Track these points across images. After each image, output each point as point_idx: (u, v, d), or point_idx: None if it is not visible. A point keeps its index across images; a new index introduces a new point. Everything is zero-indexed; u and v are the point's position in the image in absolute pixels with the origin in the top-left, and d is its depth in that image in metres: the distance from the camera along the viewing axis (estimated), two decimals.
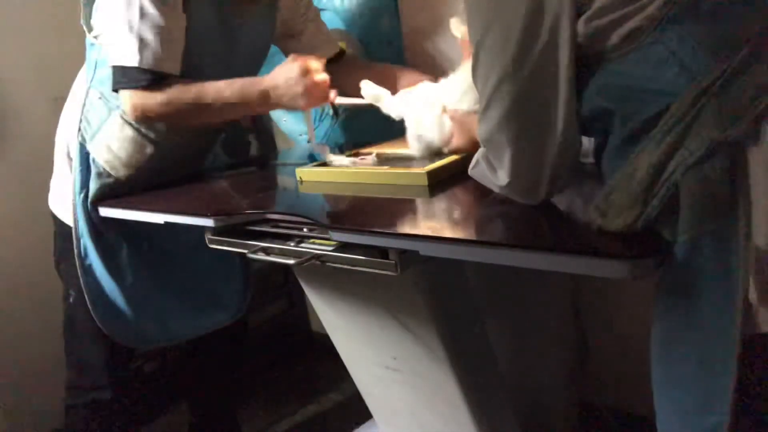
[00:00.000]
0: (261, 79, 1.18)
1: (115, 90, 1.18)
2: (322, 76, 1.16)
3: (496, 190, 0.80)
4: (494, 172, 0.77)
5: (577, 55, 0.67)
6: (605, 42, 0.65)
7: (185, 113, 1.18)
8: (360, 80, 1.19)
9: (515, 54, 0.67)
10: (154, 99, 1.15)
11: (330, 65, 1.31)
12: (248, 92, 1.16)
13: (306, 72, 1.13)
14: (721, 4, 0.60)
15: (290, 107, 1.18)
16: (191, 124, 1.24)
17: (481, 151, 0.81)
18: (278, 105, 1.18)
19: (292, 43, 1.43)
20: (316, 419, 1.86)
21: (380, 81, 1.21)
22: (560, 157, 0.70)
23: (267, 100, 1.16)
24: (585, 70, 0.68)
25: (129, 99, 1.16)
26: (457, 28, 1.08)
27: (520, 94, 0.68)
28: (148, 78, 1.14)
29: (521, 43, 0.66)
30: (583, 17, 0.66)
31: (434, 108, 1.07)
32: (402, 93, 1.16)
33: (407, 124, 1.12)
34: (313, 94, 1.15)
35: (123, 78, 1.15)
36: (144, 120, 1.20)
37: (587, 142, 0.94)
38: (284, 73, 1.15)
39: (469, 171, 0.86)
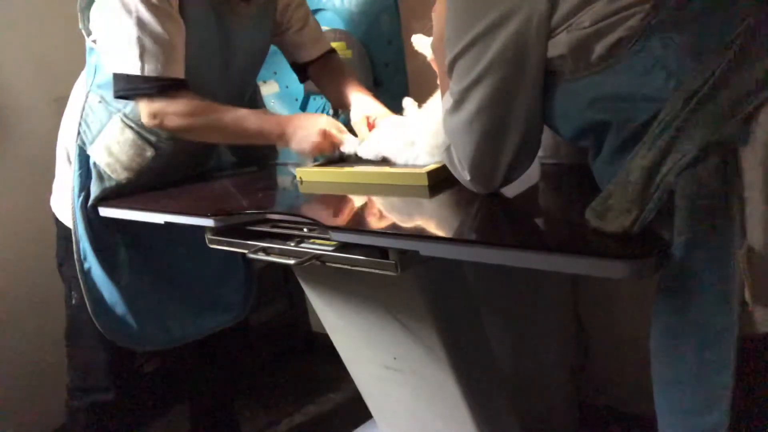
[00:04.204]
0: (282, 120, 1.20)
1: (118, 97, 1.18)
2: (336, 137, 1.18)
3: (461, 181, 0.87)
4: (462, 166, 0.83)
5: (558, 67, 0.70)
6: (589, 53, 0.66)
7: (201, 130, 1.20)
8: (337, 88, 1.34)
9: (490, 60, 0.72)
10: (173, 108, 1.16)
11: (319, 61, 1.44)
12: (269, 129, 1.19)
13: (324, 133, 1.16)
14: (702, 10, 0.61)
15: (296, 151, 1.22)
16: (202, 140, 1.25)
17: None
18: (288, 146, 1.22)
19: (280, 39, 1.43)
20: (316, 419, 1.86)
21: (343, 97, 1.34)
22: (517, 156, 0.78)
23: (282, 140, 1.20)
24: (568, 80, 0.70)
25: (146, 107, 1.17)
26: (423, 45, 1.06)
27: (490, 96, 0.74)
28: (158, 85, 1.14)
29: (497, 52, 0.72)
30: (566, 27, 0.68)
31: (411, 146, 1.07)
32: (375, 136, 1.16)
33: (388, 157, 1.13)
34: (318, 150, 1.18)
35: (128, 85, 1.15)
36: (160, 128, 1.21)
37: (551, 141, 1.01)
38: (308, 126, 1.17)
39: (441, 155, 0.93)
